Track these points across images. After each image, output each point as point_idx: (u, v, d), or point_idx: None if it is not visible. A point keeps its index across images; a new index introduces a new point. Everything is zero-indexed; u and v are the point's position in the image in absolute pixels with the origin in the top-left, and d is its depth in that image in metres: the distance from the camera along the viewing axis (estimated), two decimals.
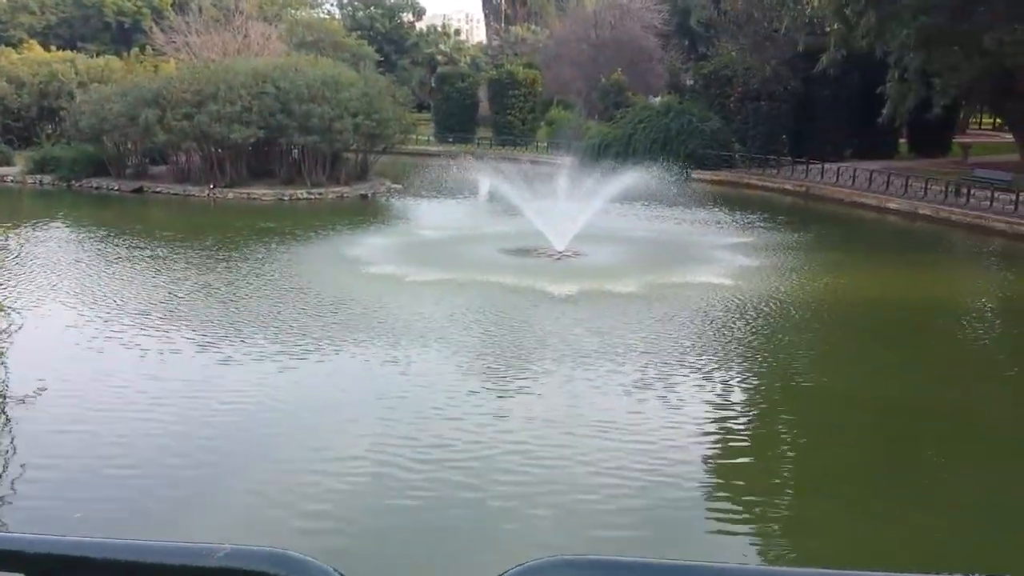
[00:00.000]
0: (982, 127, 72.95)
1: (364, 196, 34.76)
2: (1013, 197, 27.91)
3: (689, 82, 57.39)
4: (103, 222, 27.44)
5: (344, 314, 15.86)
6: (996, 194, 28.80)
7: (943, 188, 30.97)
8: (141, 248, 22.60)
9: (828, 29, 45.17)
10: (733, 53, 50.41)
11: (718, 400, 11.84)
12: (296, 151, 35.43)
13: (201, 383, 12.23)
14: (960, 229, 27.78)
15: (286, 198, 33.36)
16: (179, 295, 17.36)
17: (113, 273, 19.49)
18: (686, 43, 70.92)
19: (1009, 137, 47.90)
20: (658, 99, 53.42)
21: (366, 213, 30.47)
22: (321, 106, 33.71)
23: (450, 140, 57.41)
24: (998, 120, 63.09)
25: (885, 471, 10.10)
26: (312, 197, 33.77)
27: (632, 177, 25.71)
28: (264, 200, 33.09)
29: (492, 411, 11.17)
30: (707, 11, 64.65)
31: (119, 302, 16.71)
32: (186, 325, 15.07)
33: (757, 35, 53.05)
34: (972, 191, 29.95)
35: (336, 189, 34.80)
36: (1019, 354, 15.45)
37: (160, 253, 21.91)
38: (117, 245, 23.07)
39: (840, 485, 9.69)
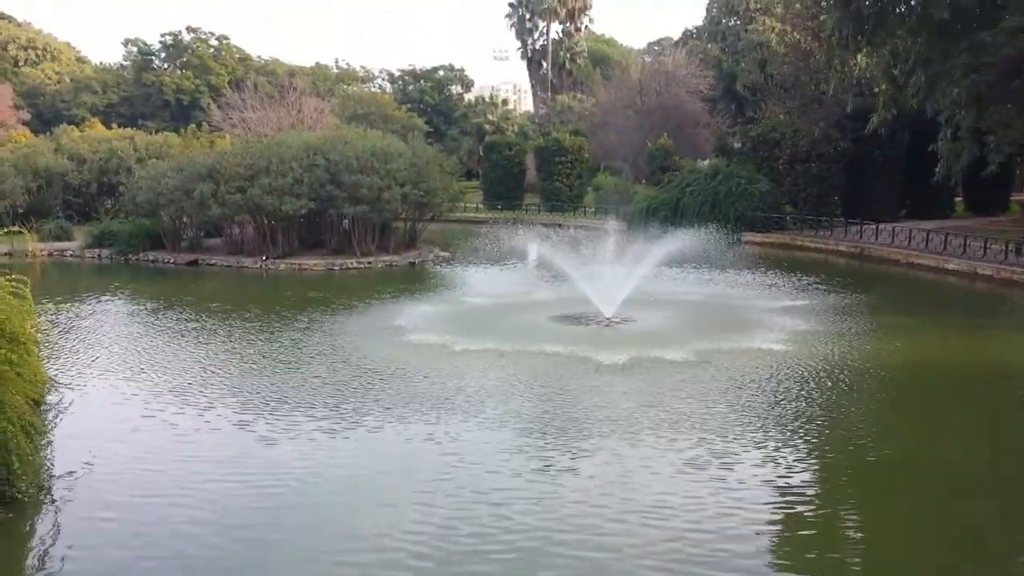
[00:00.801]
0: None
1: (412, 264, 34.96)
2: None
3: (736, 145, 57.27)
4: (155, 294, 27.89)
5: (387, 386, 15.67)
6: None
7: (1003, 247, 30.10)
8: (187, 320, 22.83)
9: (876, 90, 44.88)
10: (780, 116, 50.30)
11: (778, 479, 11.25)
12: (346, 221, 35.90)
13: (234, 463, 12.02)
14: (1023, 289, 26.84)
15: (336, 268, 33.68)
16: (217, 368, 17.36)
17: (157, 346, 19.67)
18: (733, 107, 70.99)
19: None
20: (706, 162, 53.34)
21: (414, 281, 30.55)
22: (370, 176, 34.21)
23: (498, 207, 57.86)
24: None
25: (956, 559, 9.51)
26: (362, 266, 34.05)
27: (681, 241, 25.43)
28: (315, 270, 33.45)
29: (537, 495, 10.66)
30: (753, 75, 64.80)
31: (161, 376, 16.78)
32: (224, 401, 14.97)
33: (804, 98, 52.96)
34: None
35: (385, 258, 35.07)
36: None
37: (207, 325, 22.11)
38: (166, 317, 23.35)
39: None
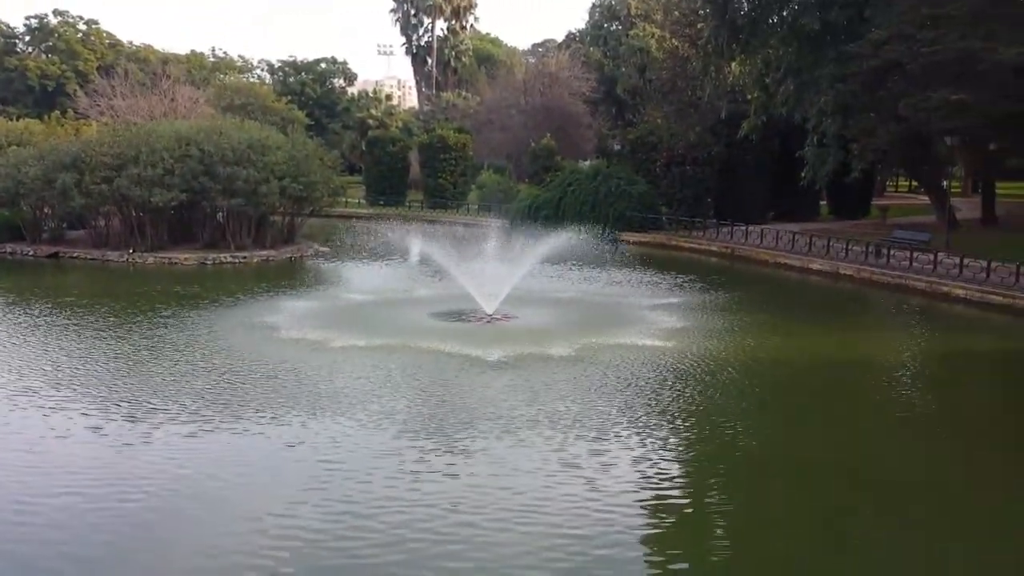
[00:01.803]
0: (898, 190, 75.73)
1: (291, 259, 34.05)
2: (931, 257, 28.68)
3: (617, 147, 58.53)
4: (8, 288, 26.20)
5: (258, 386, 15.10)
6: (915, 254, 29.56)
7: (863, 249, 31.71)
8: (40, 316, 21.51)
9: (749, 97, 46.65)
10: (658, 120, 51.66)
11: (652, 473, 11.45)
12: (221, 214, 34.63)
13: (83, 474, 11.18)
14: (881, 289, 28.36)
15: (209, 262, 32.44)
16: (70, 368, 16.36)
17: (2, 343, 18.46)
18: (613, 110, 72.56)
19: (924, 199, 49.70)
20: (587, 163, 54.22)
21: (291, 276, 29.75)
22: (246, 169, 33.11)
23: (381, 203, 57.23)
24: (913, 183, 65.59)
25: (821, 542, 9.90)
26: (236, 261, 32.92)
27: (562, 239, 25.68)
28: (186, 264, 32.13)
29: (413, 500, 10.37)
30: (633, 80, 66.44)
31: (5, 376, 15.73)
32: (75, 404, 14.00)
33: (681, 103, 54.54)
34: (892, 252, 30.71)
35: (262, 253, 34.02)
36: (944, 413, 15.52)
37: (61, 321, 20.91)
38: (16, 312, 21.95)
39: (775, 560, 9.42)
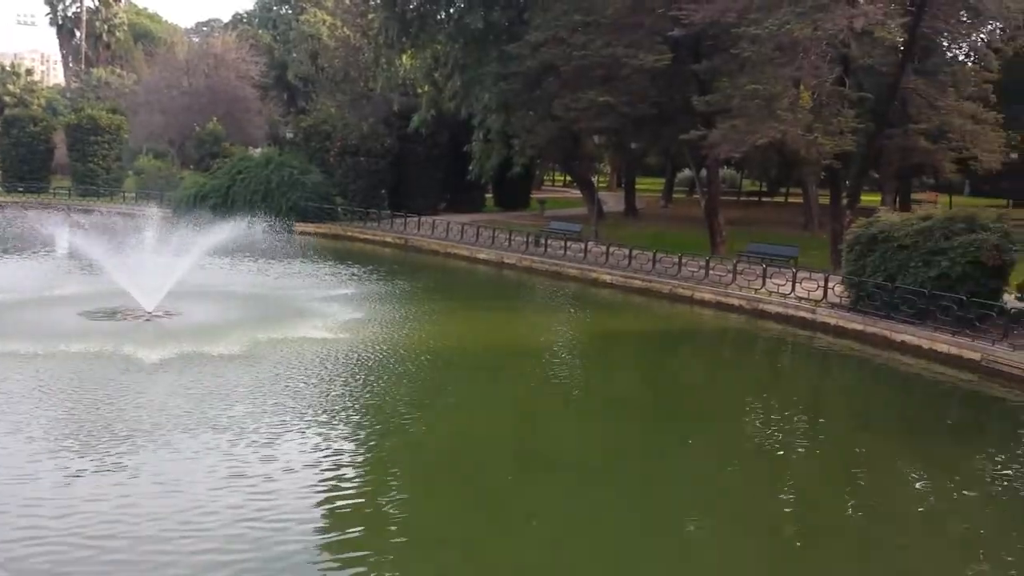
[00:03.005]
0: (555, 184, 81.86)
1: None
2: (582, 246, 31.36)
3: (289, 135, 57.19)
4: None
5: None
6: (569, 244, 32.15)
7: (524, 239, 33.88)
8: None
9: (419, 91, 47.86)
10: (332, 109, 51.26)
11: (326, 467, 11.34)
12: None
13: None
14: (541, 276, 30.53)
15: None
16: None
17: None
18: (285, 96, 70.79)
19: (577, 193, 54.21)
20: (258, 150, 52.44)
21: None
22: None
23: (20, 190, 51.06)
24: (567, 177, 71.16)
25: (496, 523, 10.46)
26: None
27: (231, 230, 24.54)
28: None
29: (63, 511, 9.52)
30: (305, 66, 65.25)
31: None
32: None
33: (354, 93, 54.65)
34: (549, 241, 33.15)
35: None
36: (592, 386, 17.12)
37: None
38: None
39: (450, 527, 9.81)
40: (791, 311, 22.88)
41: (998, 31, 34.04)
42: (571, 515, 10.43)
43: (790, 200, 62.83)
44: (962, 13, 29.07)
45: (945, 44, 36.06)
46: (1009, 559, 9.87)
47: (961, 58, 38.57)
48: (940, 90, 29.70)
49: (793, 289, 23.38)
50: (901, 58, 27.99)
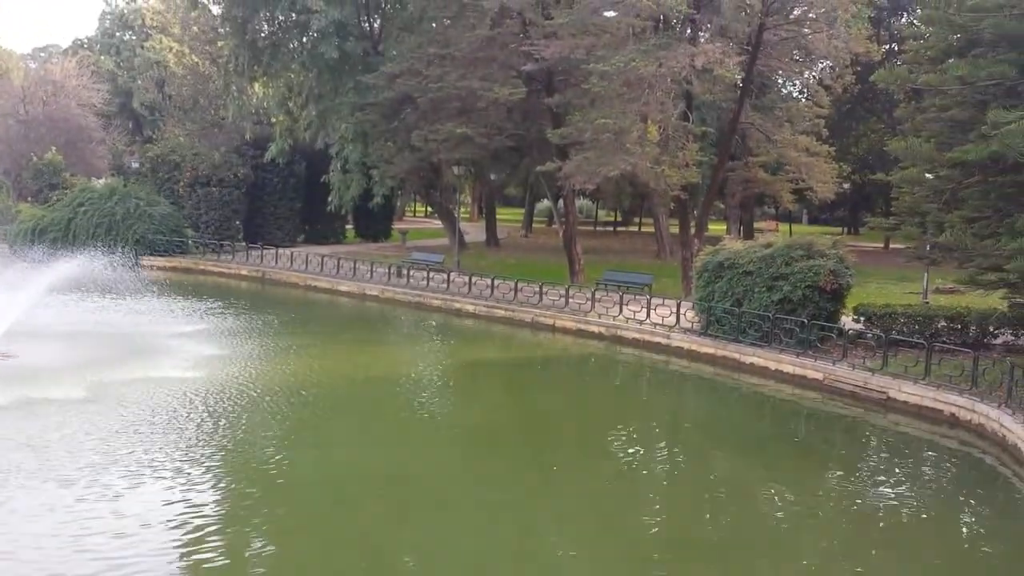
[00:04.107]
0: (416, 214, 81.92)
1: None
2: (445, 276, 31.45)
3: (135, 165, 54.84)
4: None
5: None
6: (431, 274, 32.19)
7: (387, 270, 33.68)
8: None
9: (274, 120, 46.98)
10: (181, 138, 49.60)
11: (184, 513, 10.83)
12: None
13: None
14: (404, 307, 30.40)
15: None
16: None
17: None
18: (130, 124, 67.92)
19: (438, 223, 54.38)
20: (102, 181, 49.99)
21: None
22: None
23: None
24: (429, 208, 71.38)
25: (352, 562, 10.29)
26: None
27: (73, 265, 23.20)
28: None
29: None
30: (151, 94, 62.89)
31: None
32: None
33: (204, 121, 53.09)
34: (411, 272, 33.07)
35: None
36: (458, 416, 17.17)
37: None
38: None
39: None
40: (647, 336, 23.71)
41: (828, 69, 36.76)
42: (443, 548, 10.41)
43: (643, 229, 65.22)
44: (795, 53, 31.20)
45: (780, 81, 38.63)
46: (859, 570, 10.52)
47: (795, 94, 41.41)
48: (776, 125, 31.66)
49: (648, 315, 24.24)
50: (740, 95, 29.72)
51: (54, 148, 50.41)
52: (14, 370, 17.56)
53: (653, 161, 27.77)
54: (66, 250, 29.60)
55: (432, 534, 10.83)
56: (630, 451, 15.16)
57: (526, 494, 12.62)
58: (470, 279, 30.40)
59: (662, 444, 16.12)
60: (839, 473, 14.60)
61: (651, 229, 54.68)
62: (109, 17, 74.54)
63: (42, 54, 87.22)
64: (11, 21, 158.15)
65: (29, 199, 49.90)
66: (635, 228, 68.42)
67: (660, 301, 24.79)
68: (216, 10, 44.79)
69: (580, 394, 20.62)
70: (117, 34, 74.03)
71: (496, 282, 29.45)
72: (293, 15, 39.12)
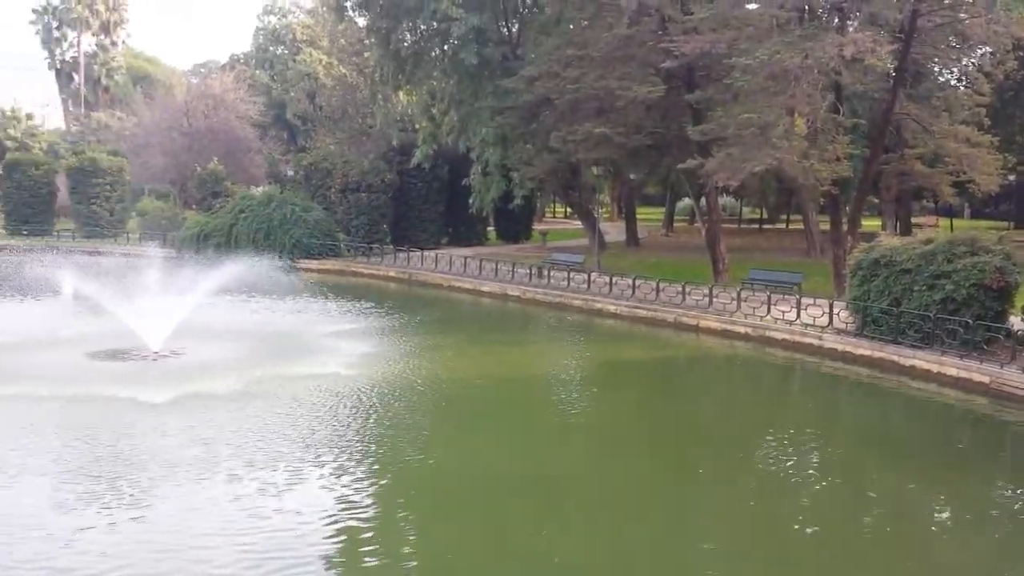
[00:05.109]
0: (555, 215, 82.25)
1: None
2: (585, 276, 31.42)
3: (290, 173, 57.51)
4: None
5: None
6: (572, 274, 32.22)
7: (527, 271, 33.97)
8: None
9: (417, 126, 48.27)
10: (331, 146, 51.70)
11: (339, 504, 11.32)
12: None
13: None
14: (545, 307, 30.55)
15: None
16: None
17: None
18: (285, 135, 71.29)
19: (578, 223, 54.42)
20: (260, 189, 52.73)
21: None
22: None
23: (24, 232, 51.35)
24: (568, 209, 71.47)
25: (508, 553, 10.41)
26: None
27: (235, 268, 24.65)
28: None
29: (65, 564, 9.31)
30: (302, 105, 65.87)
31: None
32: None
33: (353, 130, 55.17)
34: (551, 273, 33.23)
35: None
36: (599, 417, 17.09)
37: None
38: None
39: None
40: (797, 337, 22.89)
41: (988, 55, 34.44)
42: (585, 550, 10.39)
43: (790, 227, 63.09)
44: (951, 39, 29.39)
45: (936, 69, 36.46)
46: None
47: (953, 83, 38.99)
48: (934, 114, 29.95)
49: (798, 316, 23.41)
50: (893, 84, 28.27)
51: (216, 158, 53.57)
52: (182, 366, 18.82)
53: (801, 155, 26.83)
54: (228, 254, 31.44)
55: (575, 535, 10.82)
56: (781, 457, 14.64)
57: (669, 498, 12.43)
58: (611, 279, 30.24)
59: (815, 450, 15.50)
60: (1009, 486, 13.64)
61: (799, 226, 52.83)
62: (263, 33, 78.58)
63: (202, 70, 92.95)
64: (174, 39, 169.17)
65: (194, 207, 53.22)
66: (782, 225, 66.21)
67: (811, 301, 23.88)
68: (362, 22, 46.51)
69: (726, 396, 20.14)
70: (271, 49, 77.94)
71: (637, 282, 29.18)
72: (434, 24, 40.05)
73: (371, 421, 15.17)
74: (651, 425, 16.71)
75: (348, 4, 43.36)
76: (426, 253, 39.37)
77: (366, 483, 12.29)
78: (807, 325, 23.00)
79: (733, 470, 13.78)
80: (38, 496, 11.24)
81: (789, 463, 14.29)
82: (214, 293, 23.57)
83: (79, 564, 9.25)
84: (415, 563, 9.94)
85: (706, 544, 10.90)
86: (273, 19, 77.85)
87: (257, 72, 73.87)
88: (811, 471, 14.16)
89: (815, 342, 22.40)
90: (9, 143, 66.87)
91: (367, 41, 47.58)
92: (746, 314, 24.88)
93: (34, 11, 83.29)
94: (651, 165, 44.42)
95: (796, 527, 11.62)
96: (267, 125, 67.92)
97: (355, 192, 44.72)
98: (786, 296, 25.53)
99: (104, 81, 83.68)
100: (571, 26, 38.40)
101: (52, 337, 22.00)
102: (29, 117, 75.95)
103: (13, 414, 14.85)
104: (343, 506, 11.20)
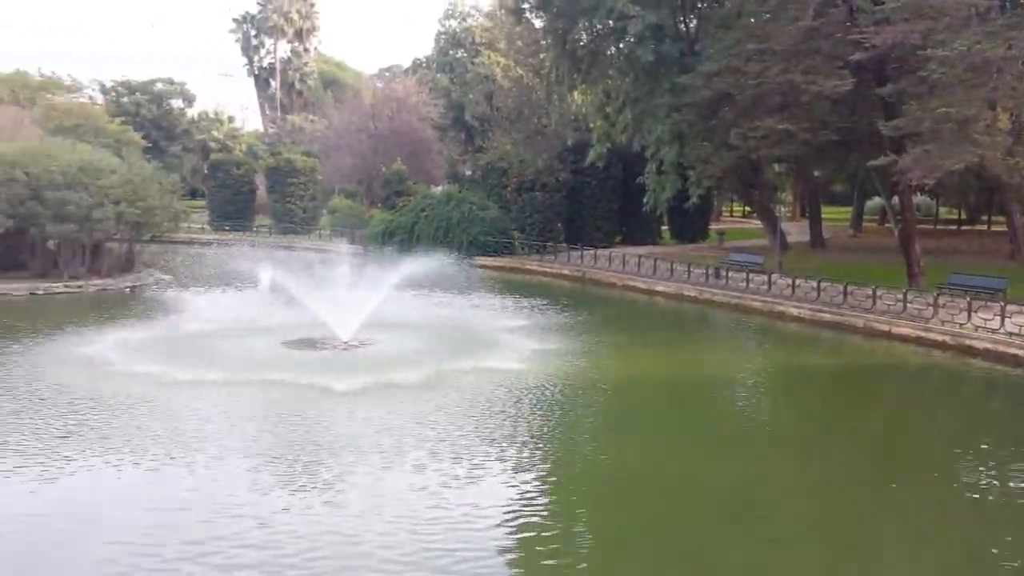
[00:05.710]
0: (733, 214, 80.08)
1: (130, 288, 32.33)
2: (765, 278, 30.41)
3: (467, 172, 59.01)
4: None
5: (93, 424, 14.23)
6: (751, 275, 31.26)
7: (704, 271, 33.26)
8: None
9: (592, 125, 48.29)
10: (507, 146, 52.60)
11: (516, 496, 11.54)
12: (52, 242, 32.52)
13: None
14: (722, 309, 29.81)
15: (40, 292, 30.36)
16: None
17: None
18: (463, 135, 73.16)
19: (758, 223, 52.72)
20: (439, 188, 54.44)
21: (130, 306, 28.21)
22: (79, 193, 31.29)
23: (226, 228, 55.44)
24: (747, 208, 69.45)
25: (682, 557, 10.26)
26: (70, 291, 30.97)
27: (417, 264, 25.60)
28: (15, 296, 29.88)
29: (261, 541, 9.97)
30: (480, 107, 67.38)
31: None
32: None
33: (528, 130, 55.91)
34: (730, 274, 32.37)
35: (98, 282, 32.16)
36: (780, 424, 16.47)
37: None
38: None
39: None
40: (1002, 348, 21.18)
41: None
42: (758, 559, 10.07)
43: (993, 228, 58.57)
44: None
45: None
46: None
47: None
48: None
49: (1003, 324, 21.68)
50: None
51: (399, 159, 55.81)
52: (369, 356, 19.74)
53: (1005, 152, 24.96)
54: (410, 251, 32.66)
55: (748, 544, 10.50)
56: (981, 471, 13.60)
57: (854, 511, 11.79)
58: (793, 281, 29.12)
59: (1021, 469, 14.28)
60: None
61: (1002, 227, 48.90)
62: (444, 37, 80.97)
63: (387, 74, 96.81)
64: (360, 44, 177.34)
65: (379, 205, 55.67)
66: (983, 227, 61.57)
67: (1017, 308, 22.07)
68: (539, 23, 47.05)
69: (921, 407, 18.92)
70: (451, 52, 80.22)
71: (823, 284, 27.94)
72: (610, 22, 39.89)
73: (549, 417, 15.32)
74: (835, 433, 15.91)
75: (526, 6, 43.97)
76: (599, 252, 39.36)
77: (544, 479, 12.43)
78: (1012, 334, 21.25)
79: (928, 486, 12.92)
80: (237, 477, 12.05)
81: (991, 481, 13.23)
82: (399, 288, 24.58)
83: (275, 543, 9.85)
84: (586, 565, 9.95)
85: (894, 563, 10.27)
86: (453, 23, 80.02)
87: (438, 76, 76.24)
88: (1018, 491, 13.06)
89: (1021, 353, 20.66)
90: (213, 144, 72.35)
91: (543, 42, 48.06)
92: (944, 321, 23.29)
93: (234, 20, 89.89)
94: (837, 162, 42.43)
95: (995, 550, 10.74)
96: (447, 126, 69.98)
97: (530, 191, 45.35)
98: (989, 303, 23.70)
99: (298, 85, 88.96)
100: (752, 20, 37.15)
101: (251, 326, 23.62)
102: (231, 120, 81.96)
103: (214, 398, 16.05)
104: (523, 502, 11.38)
